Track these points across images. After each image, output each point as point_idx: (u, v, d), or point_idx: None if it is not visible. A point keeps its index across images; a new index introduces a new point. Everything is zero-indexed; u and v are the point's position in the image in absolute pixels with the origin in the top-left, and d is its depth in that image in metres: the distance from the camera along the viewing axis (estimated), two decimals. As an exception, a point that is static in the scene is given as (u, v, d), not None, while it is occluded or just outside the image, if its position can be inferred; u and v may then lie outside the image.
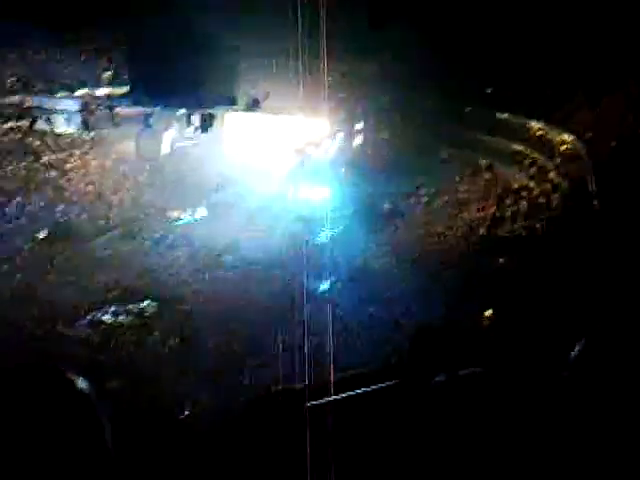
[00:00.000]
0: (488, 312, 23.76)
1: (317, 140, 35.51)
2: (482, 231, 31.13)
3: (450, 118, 36.45)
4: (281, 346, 23.56)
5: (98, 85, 41.22)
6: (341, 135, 36.52)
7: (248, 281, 29.97)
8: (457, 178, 35.73)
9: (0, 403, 1.30)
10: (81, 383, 1.39)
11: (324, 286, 27.46)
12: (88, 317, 27.21)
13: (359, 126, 37.15)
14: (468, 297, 25.06)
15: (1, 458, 1.23)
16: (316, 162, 34.80)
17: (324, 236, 31.52)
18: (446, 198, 34.85)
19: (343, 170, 35.45)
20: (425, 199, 35.09)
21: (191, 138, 36.43)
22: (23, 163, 35.90)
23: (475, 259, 28.59)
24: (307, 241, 29.05)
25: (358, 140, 37.37)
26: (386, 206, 34.81)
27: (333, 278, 28.97)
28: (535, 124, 34.62)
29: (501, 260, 27.43)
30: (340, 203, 33.88)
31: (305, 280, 25.05)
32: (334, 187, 34.22)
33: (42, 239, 31.95)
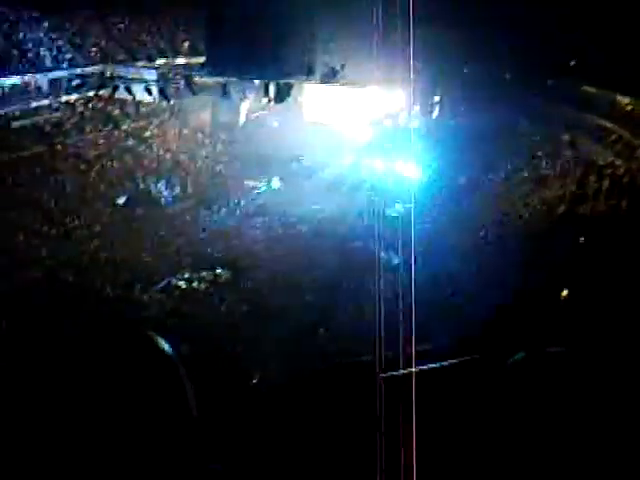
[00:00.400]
0: (564, 292, 23.10)
1: (394, 112, 35.03)
2: (562, 209, 30.17)
3: (532, 91, 35.31)
4: (353, 317, 23.52)
5: (177, 55, 41.76)
6: (419, 107, 35.93)
7: (322, 252, 29.99)
8: (538, 153, 34.65)
9: (84, 365, 1.16)
10: (164, 345, 1.26)
11: (398, 259, 27.18)
12: (163, 282, 27.80)
13: (437, 98, 36.45)
14: (546, 275, 24.41)
15: (87, 418, 1.10)
16: (393, 134, 34.34)
17: (399, 208, 31.16)
18: (525, 174, 33.91)
19: (420, 143, 34.90)
20: (503, 174, 34.22)
21: (267, 108, 36.51)
22: (103, 131, 36.74)
23: (554, 237, 27.78)
24: (382, 213, 28.81)
25: (436, 112, 36.71)
26: (462, 180, 34.17)
27: (407, 251, 28.55)
28: (623, 99, 33.09)
29: (581, 239, 26.53)
30: (416, 176, 33.43)
31: (379, 252, 24.85)
32: (410, 159, 33.76)
33: (121, 205, 32.75)
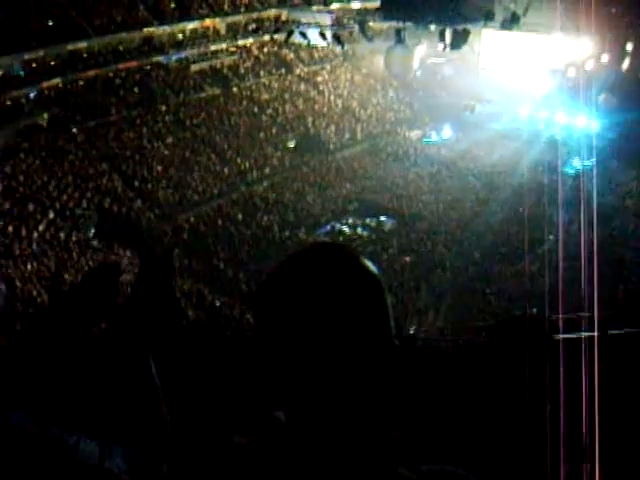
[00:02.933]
0: None
1: (579, 61, 32.71)
2: None
3: None
4: (517, 276, 22.52)
5: (351, -1, 41.40)
6: (607, 56, 33.27)
7: (492, 206, 28.94)
8: None
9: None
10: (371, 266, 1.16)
11: (570, 218, 25.64)
12: (328, 226, 28.02)
13: (629, 47, 33.53)
14: None
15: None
16: (576, 85, 32.15)
17: (577, 165, 29.32)
18: None
19: (605, 95, 32.46)
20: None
21: (443, 55, 35.39)
22: (277, 75, 37.31)
23: None
24: (558, 169, 27.21)
25: (626, 63, 33.83)
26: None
27: (581, 211, 26.79)
28: None
29: None
30: (598, 131, 31.23)
31: (553, 210, 23.50)
32: (592, 113, 31.54)
33: (291, 149, 33.26)
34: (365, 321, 1.23)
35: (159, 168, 28.36)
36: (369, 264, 1.28)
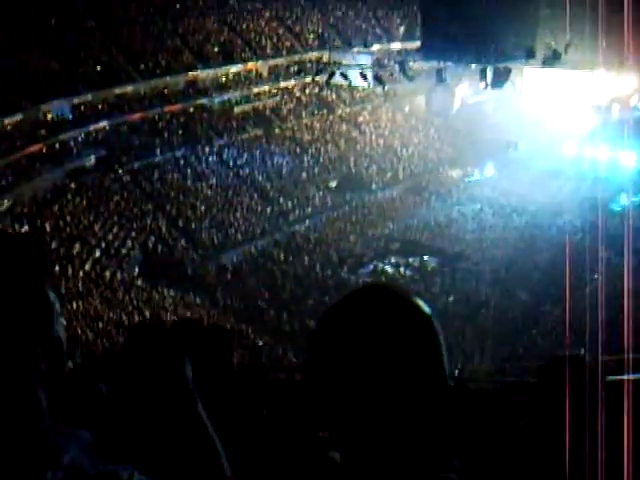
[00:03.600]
0: None
1: (622, 97, 32.39)
2: None
3: None
4: (563, 317, 22.01)
5: (392, 40, 41.74)
6: (651, 92, 32.91)
7: (537, 245, 28.53)
8: None
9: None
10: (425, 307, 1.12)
11: (618, 257, 25.06)
12: (371, 265, 27.89)
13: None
14: None
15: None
16: (620, 121, 31.81)
17: (624, 202, 28.81)
18: None
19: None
20: None
21: (484, 93, 35.31)
22: (318, 116, 37.65)
23: None
24: (604, 207, 26.74)
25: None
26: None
27: (631, 248, 26.17)
28: None
29: None
30: (645, 168, 30.72)
31: (600, 249, 23.03)
32: (637, 150, 31.10)
33: (333, 188, 33.37)
34: (419, 363, 1.23)
35: (202, 208, 28.71)
36: (423, 305, 1.28)
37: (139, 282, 23.72)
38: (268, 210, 29.92)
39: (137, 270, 24.33)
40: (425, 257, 27.51)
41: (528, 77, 34.60)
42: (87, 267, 22.99)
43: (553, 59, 31.78)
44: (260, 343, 20.87)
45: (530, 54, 30.66)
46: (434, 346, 1.26)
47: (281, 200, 30.67)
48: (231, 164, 31.81)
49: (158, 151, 30.37)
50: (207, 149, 31.90)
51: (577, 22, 29.34)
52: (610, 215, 25.80)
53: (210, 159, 31.63)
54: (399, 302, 1.26)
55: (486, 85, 31.80)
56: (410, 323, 1.24)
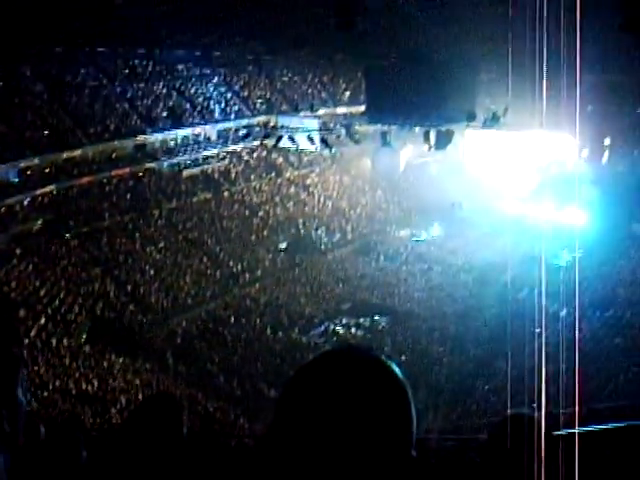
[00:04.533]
0: None
1: (561, 157, 33.55)
2: None
3: None
4: (514, 371, 22.27)
5: (338, 104, 42.64)
6: (587, 152, 34.17)
7: (482, 301, 28.95)
8: None
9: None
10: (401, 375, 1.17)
11: (563, 311, 25.61)
12: (322, 327, 27.88)
13: (608, 141, 34.52)
14: None
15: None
16: (560, 181, 32.83)
17: (565, 257, 29.56)
18: None
19: (589, 189, 33.08)
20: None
21: (428, 155, 36.21)
22: (267, 179, 37.99)
23: None
24: (547, 264, 27.38)
25: (606, 157, 34.75)
26: (637, 228, 31.93)
27: (573, 304, 26.88)
28: None
29: None
30: (585, 225, 31.66)
31: (543, 304, 23.50)
32: (579, 208, 32.06)
33: (282, 250, 33.47)
34: (390, 432, 1.18)
35: (152, 272, 28.39)
36: (397, 371, 1.25)
37: (87, 348, 23.17)
38: (218, 273, 29.78)
39: (85, 336, 23.81)
40: (376, 317, 27.64)
41: (470, 138, 35.60)
42: (33, 334, 22.38)
43: (493, 121, 32.92)
44: (211, 409, 20.54)
45: (471, 117, 31.68)
46: (406, 415, 1.23)
47: (231, 263, 30.57)
48: (180, 228, 31.74)
49: (106, 215, 30.11)
50: (156, 213, 31.84)
51: (515, 86, 30.52)
52: (553, 271, 26.43)
53: (159, 223, 31.49)
54: (373, 367, 1.24)
55: (430, 147, 32.69)
56: (384, 390, 1.21)
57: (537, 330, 23.63)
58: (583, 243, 30.56)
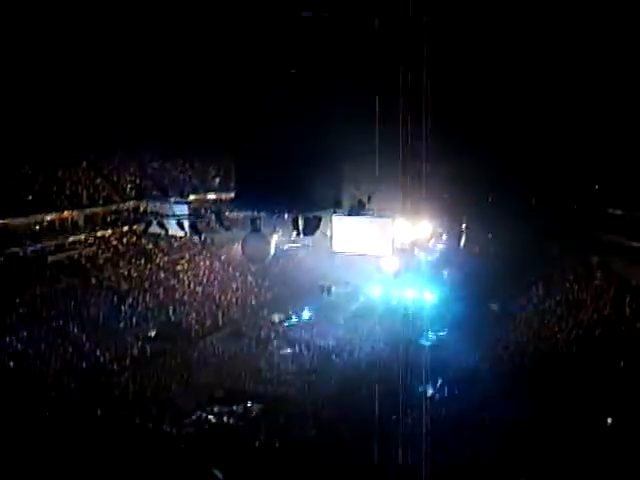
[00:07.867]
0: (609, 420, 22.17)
1: (422, 241, 35.36)
2: (598, 332, 29.56)
3: (558, 216, 35.59)
4: (387, 453, 22.70)
5: (208, 191, 43.02)
6: (446, 235, 36.24)
7: (352, 383, 29.39)
8: (569, 277, 34.41)
9: None
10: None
11: (430, 389, 26.51)
12: (194, 416, 27.26)
13: (464, 226, 36.85)
14: (585, 398, 23.54)
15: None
16: (421, 263, 34.52)
17: (431, 337, 30.77)
18: (558, 298, 33.58)
19: (449, 271, 34.94)
20: (535, 299, 33.90)
21: (297, 240, 37.01)
22: (136, 264, 37.40)
23: (591, 362, 27.01)
24: (413, 342, 28.40)
25: (463, 240, 36.98)
26: (494, 307, 33.87)
27: (440, 381, 27.86)
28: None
29: (621, 363, 25.76)
30: (446, 304, 33.23)
31: (412, 383, 24.31)
32: (440, 288, 33.68)
33: (152, 338, 32.76)
34: None
35: (11, 364, 26.96)
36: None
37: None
38: (83, 364, 28.70)
39: None
40: (249, 403, 27.43)
41: (337, 224, 36.71)
42: None
43: (358, 208, 34.31)
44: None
45: (337, 204, 32.87)
46: None
47: (97, 352, 29.58)
48: (44, 315, 30.47)
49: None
50: (17, 300, 30.36)
51: (378, 175, 32.23)
52: (419, 350, 27.39)
53: (20, 311, 30.05)
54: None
55: (298, 233, 33.51)
56: None
57: (413, 410, 24.43)
58: (446, 322, 32.05)
